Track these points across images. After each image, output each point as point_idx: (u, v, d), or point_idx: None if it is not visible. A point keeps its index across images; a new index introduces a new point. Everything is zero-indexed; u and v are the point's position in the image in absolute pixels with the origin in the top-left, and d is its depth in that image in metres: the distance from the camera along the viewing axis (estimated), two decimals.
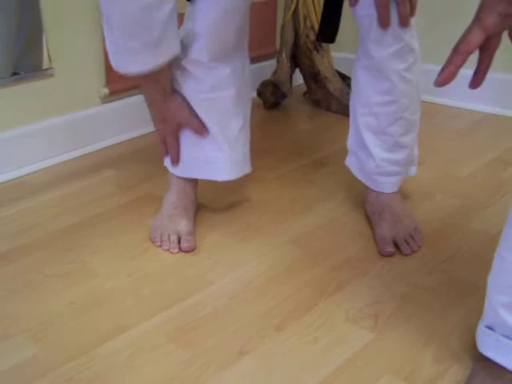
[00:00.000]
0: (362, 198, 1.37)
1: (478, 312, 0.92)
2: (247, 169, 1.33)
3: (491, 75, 2.14)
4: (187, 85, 1.20)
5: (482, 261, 1.16)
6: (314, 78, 2.04)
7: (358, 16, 1.17)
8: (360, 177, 1.34)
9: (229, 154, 1.26)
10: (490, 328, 0.87)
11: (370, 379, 0.92)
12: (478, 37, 0.72)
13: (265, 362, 0.96)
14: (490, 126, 1.90)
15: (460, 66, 0.73)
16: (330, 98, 2.01)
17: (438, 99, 2.07)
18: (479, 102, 2.00)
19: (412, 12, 1.12)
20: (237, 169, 1.29)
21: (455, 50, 0.73)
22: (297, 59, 2.06)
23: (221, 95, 1.21)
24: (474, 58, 0.79)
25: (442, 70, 0.75)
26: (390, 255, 1.22)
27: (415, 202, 1.42)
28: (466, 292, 1.11)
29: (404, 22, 1.11)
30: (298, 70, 2.09)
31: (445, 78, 0.74)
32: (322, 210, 1.40)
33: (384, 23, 1.11)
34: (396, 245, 1.23)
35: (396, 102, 1.21)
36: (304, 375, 0.93)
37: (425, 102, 1.99)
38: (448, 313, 1.06)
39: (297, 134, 1.88)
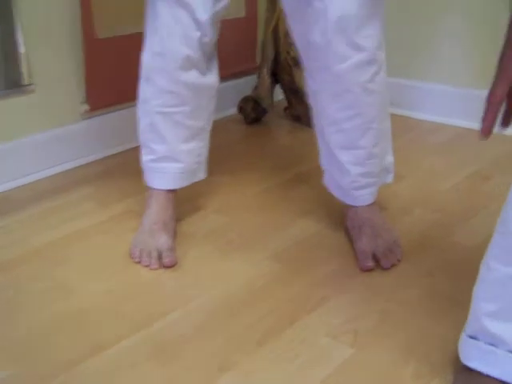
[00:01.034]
0: (342, 213, 1.38)
1: (459, 326, 0.92)
2: (201, 175, 1.39)
3: (472, 91, 2.15)
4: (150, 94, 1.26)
5: (463, 274, 1.16)
6: (294, 93, 2.05)
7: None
8: (337, 194, 1.34)
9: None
10: (473, 337, 0.88)
11: None
12: (501, 88, 0.78)
13: (246, 378, 0.95)
14: (469, 140, 1.91)
15: (496, 113, 0.79)
16: (310, 114, 2.02)
17: (414, 113, 2.07)
18: (458, 117, 2.02)
19: None
20: (187, 177, 1.35)
21: (487, 101, 0.79)
22: (277, 75, 2.07)
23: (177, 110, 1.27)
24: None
25: (482, 120, 0.80)
26: (370, 270, 1.22)
27: (395, 216, 1.43)
28: (447, 306, 1.11)
29: None
30: (278, 86, 2.10)
31: (486, 128, 0.80)
32: (302, 225, 1.41)
33: None
34: (376, 259, 1.24)
35: (361, 114, 1.19)
36: None
37: (402, 116, 2.01)
38: (428, 327, 1.06)
39: (277, 150, 1.89)
